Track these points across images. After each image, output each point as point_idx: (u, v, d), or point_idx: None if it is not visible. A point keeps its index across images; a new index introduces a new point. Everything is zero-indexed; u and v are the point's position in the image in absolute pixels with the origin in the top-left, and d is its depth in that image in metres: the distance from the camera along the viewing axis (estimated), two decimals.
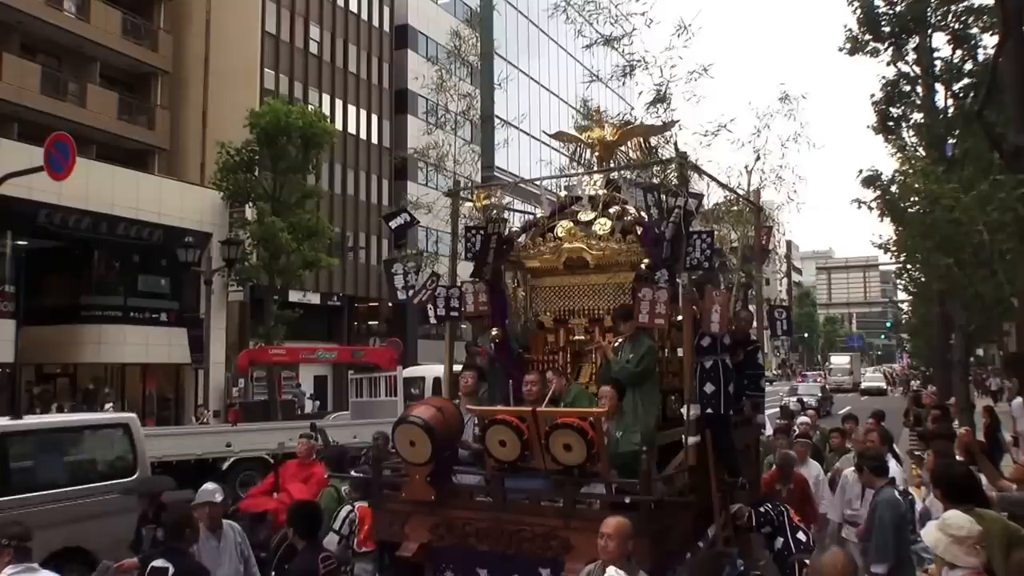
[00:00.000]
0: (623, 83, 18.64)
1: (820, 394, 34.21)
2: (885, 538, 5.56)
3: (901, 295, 46.67)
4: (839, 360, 65.82)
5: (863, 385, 56.49)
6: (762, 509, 6.37)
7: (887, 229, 19.89)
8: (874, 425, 10.17)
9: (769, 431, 10.34)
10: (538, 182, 8.84)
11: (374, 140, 36.17)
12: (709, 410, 5.95)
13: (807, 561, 4.79)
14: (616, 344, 6.42)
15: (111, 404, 23.26)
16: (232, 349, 27.45)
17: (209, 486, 5.96)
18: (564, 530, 5.21)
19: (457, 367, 7.02)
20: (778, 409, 15.51)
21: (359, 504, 6.43)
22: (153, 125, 30.34)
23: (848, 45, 18.83)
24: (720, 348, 6.11)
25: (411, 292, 7.23)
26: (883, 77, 19.48)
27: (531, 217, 8.19)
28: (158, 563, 4.67)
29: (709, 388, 5.97)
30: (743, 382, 7.08)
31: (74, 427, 9.60)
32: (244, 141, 24.47)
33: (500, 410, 5.82)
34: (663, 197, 6.16)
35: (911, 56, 18.62)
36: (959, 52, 17.68)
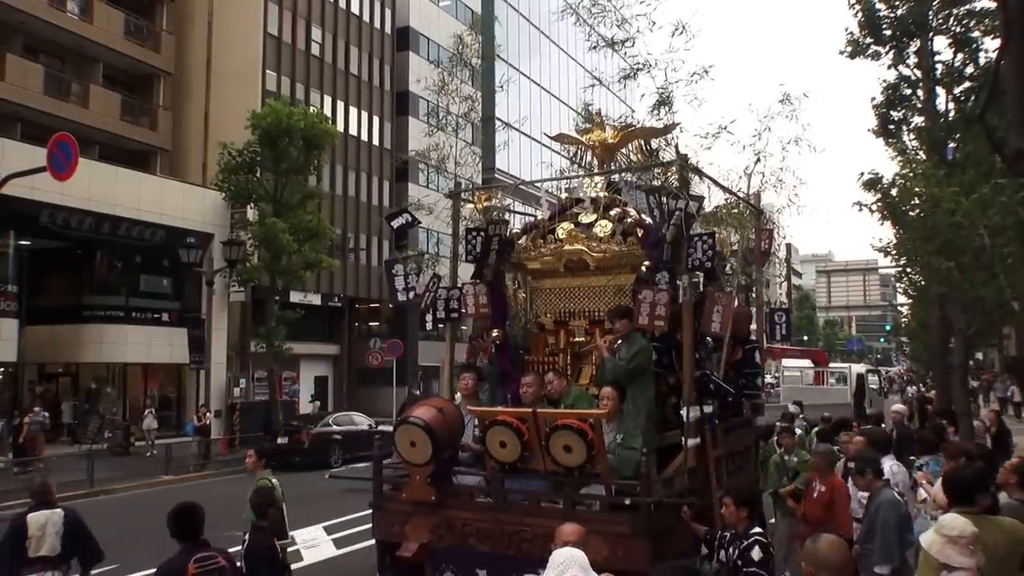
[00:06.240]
0: (624, 86, 18.66)
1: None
2: (889, 539, 5.55)
3: (901, 298, 46.43)
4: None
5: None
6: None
7: (887, 232, 19.86)
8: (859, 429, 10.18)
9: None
10: (539, 184, 8.87)
11: (375, 142, 36.22)
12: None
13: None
14: (617, 344, 6.42)
15: (150, 410, 24.00)
16: (233, 350, 27.48)
17: None
18: None
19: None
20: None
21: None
22: (155, 126, 30.38)
23: (849, 48, 18.79)
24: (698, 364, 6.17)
25: (412, 294, 7.26)
26: (884, 80, 19.43)
27: (532, 219, 8.20)
28: None
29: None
30: (741, 381, 7.09)
31: None
32: (246, 142, 24.50)
33: (501, 411, 5.83)
34: (664, 199, 6.19)
35: (912, 59, 18.59)
36: (960, 55, 17.65)
